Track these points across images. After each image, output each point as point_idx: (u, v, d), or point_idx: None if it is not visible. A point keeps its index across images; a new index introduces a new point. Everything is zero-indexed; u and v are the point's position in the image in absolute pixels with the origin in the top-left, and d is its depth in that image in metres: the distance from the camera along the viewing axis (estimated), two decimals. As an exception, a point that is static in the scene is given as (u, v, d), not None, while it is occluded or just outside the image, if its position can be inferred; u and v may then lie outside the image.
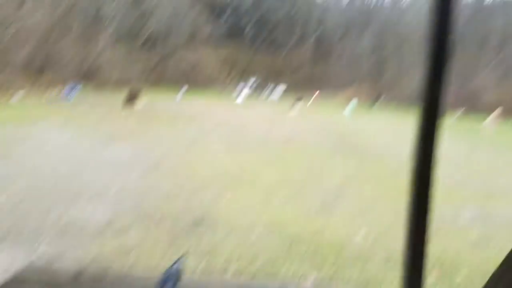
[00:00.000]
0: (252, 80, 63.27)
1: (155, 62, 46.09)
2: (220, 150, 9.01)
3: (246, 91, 49.37)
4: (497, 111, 23.58)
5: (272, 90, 51.35)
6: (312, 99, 36.45)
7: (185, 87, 35.59)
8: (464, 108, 36.74)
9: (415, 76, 44.67)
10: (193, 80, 54.84)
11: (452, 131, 18.37)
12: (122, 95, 17.10)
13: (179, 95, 28.99)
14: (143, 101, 17.32)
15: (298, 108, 23.19)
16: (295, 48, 68.14)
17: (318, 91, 42.87)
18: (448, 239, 4.49)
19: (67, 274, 1.33)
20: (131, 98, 15.73)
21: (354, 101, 30.26)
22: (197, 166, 7.18)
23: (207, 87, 54.88)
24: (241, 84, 58.19)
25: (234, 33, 69.46)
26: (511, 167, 9.92)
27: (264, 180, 6.54)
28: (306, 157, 9.16)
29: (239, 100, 38.40)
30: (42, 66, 22.59)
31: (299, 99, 24.97)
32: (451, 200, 6.13)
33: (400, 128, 18.14)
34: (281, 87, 52.64)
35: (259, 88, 55.23)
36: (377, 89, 47.92)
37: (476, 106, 36.17)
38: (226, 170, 7.00)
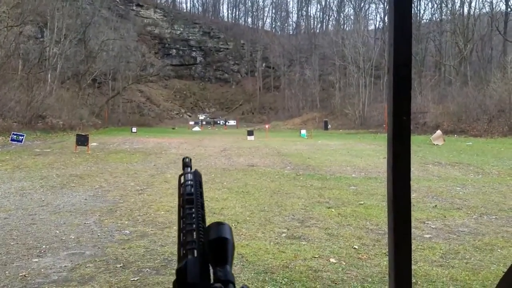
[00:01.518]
0: (205, 111, 63.51)
1: (104, 102, 45.19)
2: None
3: (199, 122, 49.44)
4: (439, 131, 24.81)
5: (225, 121, 51.73)
6: (264, 128, 36.96)
7: (136, 125, 35.05)
8: (410, 128, 38.51)
9: (359, 103, 46.58)
10: (145, 116, 54.28)
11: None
12: (72, 137, 16.55)
13: (132, 131, 28.42)
14: (94, 142, 16.83)
15: (253, 136, 23.35)
16: (244, 79, 69.28)
17: (269, 124, 43.64)
18: (417, 252, 4.56)
19: None
20: (82, 140, 15.22)
21: (303, 131, 30.96)
22: (158, 203, 6.95)
23: (160, 121, 54.40)
24: (195, 115, 58.43)
25: (183, 68, 69.82)
26: (463, 179, 10.38)
27: (230, 211, 6.43)
28: (268, 183, 9.14)
29: (194, 130, 38.21)
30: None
31: (251, 132, 25.21)
32: (415, 214, 6.29)
33: (352, 149, 18.72)
34: (234, 117, 53.20)
35: (213, 119, 55.45)
36: (324, 116, 49.47)
37: (418, 127, 38.14)
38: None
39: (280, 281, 3.77)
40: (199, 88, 69.02)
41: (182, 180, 0.66)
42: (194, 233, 0.55)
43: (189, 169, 0.70)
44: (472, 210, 6.77)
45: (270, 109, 60.94)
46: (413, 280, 3.79)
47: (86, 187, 8.37)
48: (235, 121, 50.60)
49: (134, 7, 67.61)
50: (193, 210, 0.58)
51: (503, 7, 47.64)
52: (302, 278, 3.84)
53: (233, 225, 5.65)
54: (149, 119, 53.63)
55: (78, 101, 35.18)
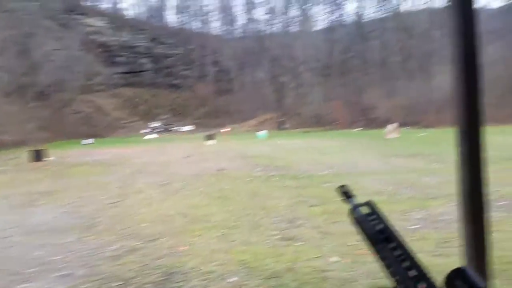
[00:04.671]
0: (159, 118, 62.37)
1: (52, 114, 43.21)
2: (155, 194, 8.55)
3: (155, 129, 48.45)
4: (393, 124, 25.72)
5: (181, 127, 51.00)
6: (223, 132, 36.79)
7: (86, 136, 33.77)
8: (363, 123, 39.92)
9: (313, 102, 47.53)
10: (96, 127, 52.46)
11: (363, 144, 19.68)
12: (25, 153, 15.66)
13: (87, 143, 27.31)
14: (50, 156, 16.00)
15: (213, 141, 23.17)
16: (196, 84, 68.58)
17: (228, 127, 43.53)
18: (411, 244, 4.66)
19: None
20: (38, 155, 14.43)
21: (263, 131, 31.12)
22: (139, 215, 6.69)
23: (112, 131, 52.73)
24: (149, 123, 57.16)
25: (132, 76, 68.12)
26: (432, 169, 10.78)
27: (216, 217, 6.29)
28: (244, 186, 9.06)
29: (150, 137, 37.35)
30: None
31: (210, 135, 24.96)
32: (396, 206, 6.46)
33: (314, 147, 19.00)
34: (190, 123, 52.48)
35: (167, 125, 54.49)
36: (280, 116, 49.98)
37: (370, 122, 39.52)
38: (171, 215, 6.62)
39: (291, 284, 3.71)
40: (150, 95, 67.61)
41: (359, 215, 0.63)
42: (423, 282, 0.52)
43: (354, 199, 0.66)
44: (447, 198, 6.99)
45: (225, 112, 60.67)
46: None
47: (56, 203, 7.91)
48: (190, 127, 50.01)
49: (77, 16, 65.13)
50: (402, 252, 0.56)
51: (440, 2, 50.25)
52: (311, 280, 3.80)
53: (223, 231, 5.53)
54: (100, 129, 51.84)
55: (25, 115, 33.38)
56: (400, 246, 0.57)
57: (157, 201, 7.82)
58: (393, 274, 0.55)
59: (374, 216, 0.61)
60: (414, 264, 0.55)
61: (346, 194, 0.67)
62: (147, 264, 4.40)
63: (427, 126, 31.42)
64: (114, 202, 7.88)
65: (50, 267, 4.43)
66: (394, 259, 0.56)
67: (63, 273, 4.26)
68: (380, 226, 0.60)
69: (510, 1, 44.35)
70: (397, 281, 0.54)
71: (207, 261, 4.40)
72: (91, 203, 7.84)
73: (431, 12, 48.91)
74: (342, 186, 0.68)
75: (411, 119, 35.18)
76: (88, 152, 20.99)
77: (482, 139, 1.55)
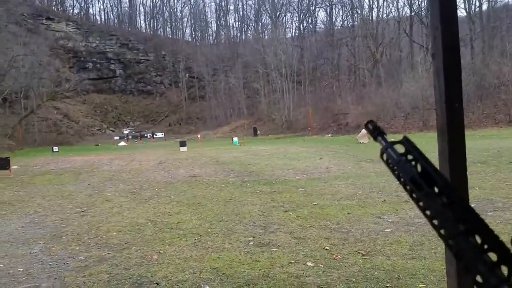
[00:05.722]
0: (130, 125, 61.26)
1: (17, 122, 41.80)
2: (125, 202, 8.30)
3: (125, 137, 47.53)
4: (364, 130, 26.06)
5: (153, 133, 50.29)
6: (196, 138, 36.49)
7: (54, 144, 32.80)
8: (334, 129, 40.46)
9: (285, 108, 47.81)
10: (63, 134, 51.09)
11: (335, 149, 19.83)
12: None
13: (53, 151, 26.46)
14: (14, 165, 15.40)
15: (186, 147, 22.90)
16: (168, 90, 67.90)
17: (200, 134, 43.25)
18: (386, 247, 4.66)
19: None
20: (2, 164, 13.86)
21: (235, 138, 31.07)
22: (107, 224, 6.46)
23: (80, 139, 51.45)
24: (118, 130, 56.11)
25: (102, 82, 66.84)
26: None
27: (188, 224, 6.14)
28: (217, 192, 8.93)
29: (120, 145, 36.65)
30: None
31: (183, 143, 24.67)
32: (369, 210, 6.49)
33: (287, 152, 19.03)
34: (161, 129, 51.84)
35: (138, 132, 53.62)
36: (252, 123, 50.05)
37: (341, 128, 40.07)
38: (141, 223, 6.42)
39: (266, 291, 3.63)
40: (121, 101, 66.52)
41: (393, 155, 0.52)
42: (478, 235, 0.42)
43: (385, 136, 0.56)
44: (418, 201, 7.08)
45: (197, 119, 60.30)
46: (395, 276, 3.85)
47: (19, 213, 7.57)
48: (163, 133, 49.40)
49: (44, 21, 63.54)
50: (451, 198, 0.44)
51: (408, 11, 51.64)
52: (287, 286, 3.73)
53: (196, 238, 5.40)
54: (68, 137, 50.59)
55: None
56: (447, 191, 0.46)
57: (126, 209, 7.58)
58: (439, 226, 0.45)
59: (412, 156, 0.51)
60: (466, 214, 0.44)
61: (376, 131, 0.57)
62: (116, 275, 4.22)
63: (395, 131, 32.01)
64: (81, 211, 7.60)
65: (13, 280, 4.19)
66: (440, 207, 0.45)
67: (25, 285, 4.04)
68: (421, 167, 0.49)
69: (475, 8, 45.99)
70: (445, 235, 0.44)
71: (179, 269, 4.26)
72: (57, 213, 7.54)
73: (399, 21, 50.12)
74: (370, 122, 0.58)
75: (380, 124, 35.73)
76: (55, 160, 20.34)
77: (463, 137, 1.52)
